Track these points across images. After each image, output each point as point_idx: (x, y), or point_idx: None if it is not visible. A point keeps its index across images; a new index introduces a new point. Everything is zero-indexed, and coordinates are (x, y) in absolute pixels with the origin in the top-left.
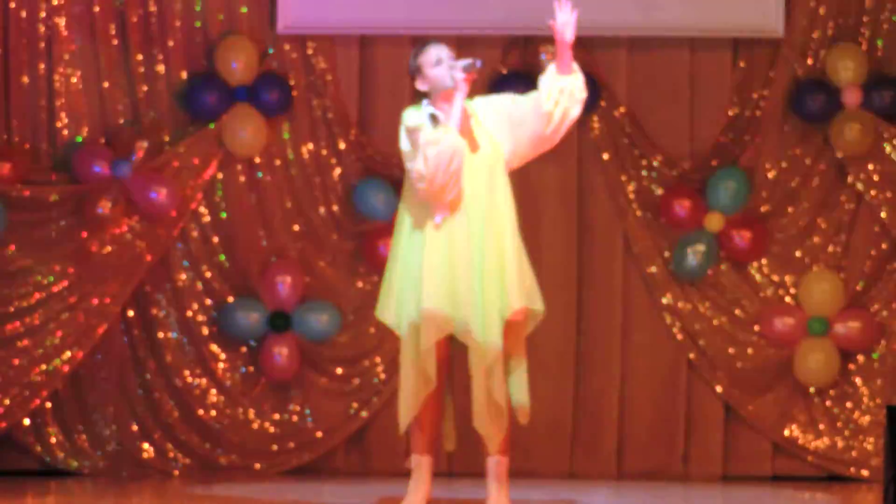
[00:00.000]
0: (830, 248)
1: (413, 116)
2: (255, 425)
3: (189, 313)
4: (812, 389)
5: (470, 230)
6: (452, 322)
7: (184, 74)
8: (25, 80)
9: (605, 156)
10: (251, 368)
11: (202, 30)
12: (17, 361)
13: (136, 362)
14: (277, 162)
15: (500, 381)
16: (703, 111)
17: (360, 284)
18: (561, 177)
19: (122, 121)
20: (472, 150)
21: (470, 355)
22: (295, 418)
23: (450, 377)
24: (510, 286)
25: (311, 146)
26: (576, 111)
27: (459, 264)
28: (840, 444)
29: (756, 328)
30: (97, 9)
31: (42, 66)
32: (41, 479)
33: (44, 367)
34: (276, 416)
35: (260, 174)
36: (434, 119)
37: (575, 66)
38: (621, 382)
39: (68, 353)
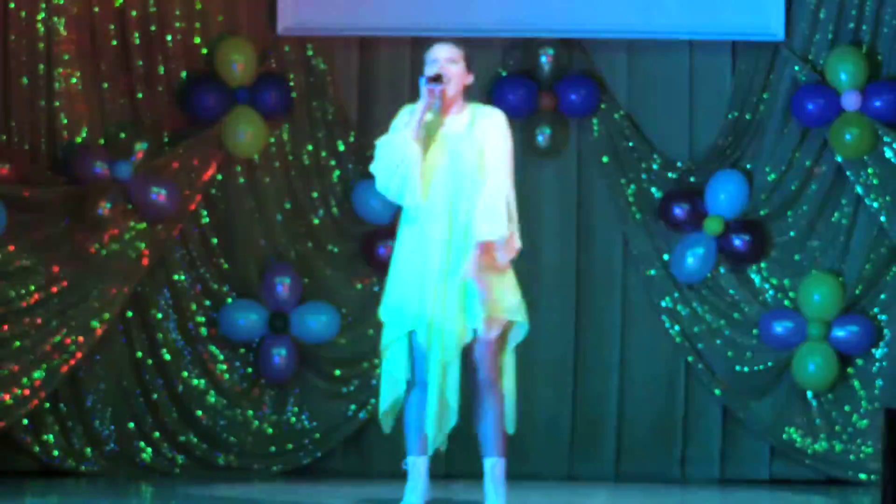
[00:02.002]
0: (829, 252)
1: (399, 116)
2: (254, 426)
3: (188, 314)
4: (810, 393)
5: (442, 231)
6: (419, 318)
7: (183, 75)
8: (25, 80)
9: (605, 158)
10: (250, 370)
11: (202, 31)
12: (16, 361)
13: (134, 363)
14: (277, 163)
15: (454, 382)
16: (702, 114)
17: (359, 286)
18: (560, 179)
19: (121, 121)
20: (428, 156)
21: (430, 354)
22: (293, 419)
23: None
24: (480, 295)
25: (310, 148)
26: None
27: (431, 265)
28: (838, 447)
29: (755, 331)
30: (97, 9)
31: (41, 66)
32: (39, 480)
33: (43, 367)
34: (275, 418)
35: (259, 176)
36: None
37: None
38: (620, 385)
39: (67, 354)
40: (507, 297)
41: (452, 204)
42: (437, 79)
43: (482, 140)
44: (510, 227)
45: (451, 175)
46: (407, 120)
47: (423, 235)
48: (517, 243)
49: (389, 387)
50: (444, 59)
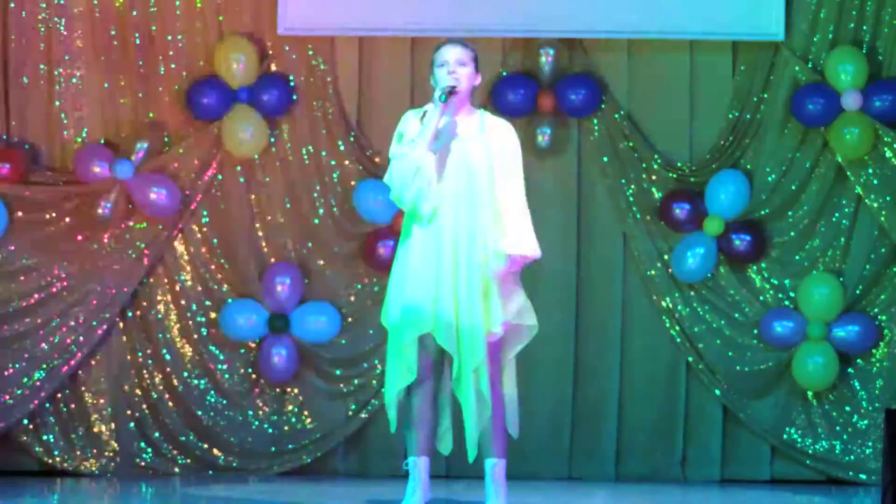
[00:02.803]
0: (830, 252)
1: (405, 120)
2: (254, 426)
3: (188, 314)
4: (811, 393)
5: (454, 237)
6: (432, 321)
7: (184, 75)
8: (25, 80)
9: (605, 158)
10: (250, 370)
11: (203, 31)
12: (16, 361)
13: (135, 363)
14: (277, 163)
15: (486, 382)
16: (703, 114)
17: (359, 286)
18: (561, 179)
19: (122, 121)
20: (443, 168)
21: (455, 362)
22: (293, 420)
23: (441, 379)
24: (493, 301)
25: (311, 147)
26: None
27: (444, 268)
28: (839, 447)
29: (755, 331)
30: (97, 9)
31: (42, 66)
32: (40, 480)
33: (43, 367)
34: (275, 418)
35: (260, 175)
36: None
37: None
38: (620, 385)
39: (67, 354)
40: (516, 300)
41: (459, 208)
42: (451, 91)
43: (493, 146)
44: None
45: (460, 178)
46: (417, 128)
47: (433, 237)
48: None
49: (399, 374)
50: (454, 62)
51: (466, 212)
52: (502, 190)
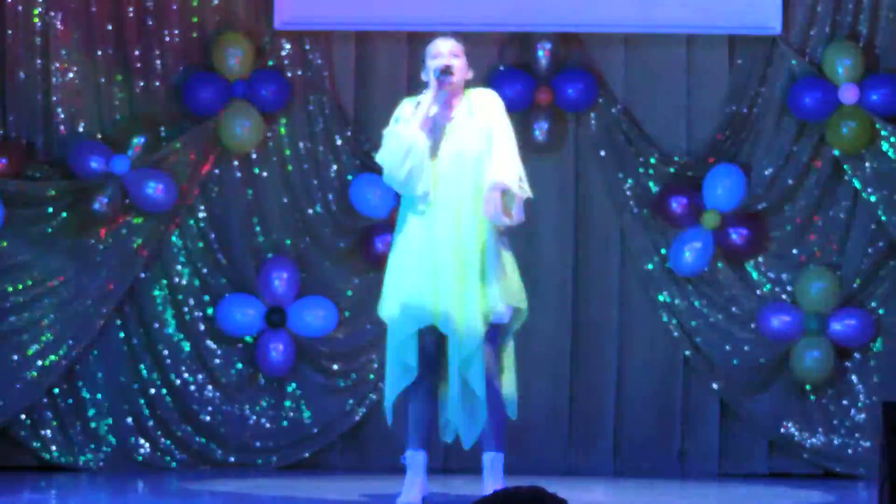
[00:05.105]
0: (827, 246)
1: (401, 107)
2: (252, 421)
3: (185, 309)
4: (808, 387)
5: (452, 224)
6: (433, 313)
7: (181, 70)
8: (22, 75)
9: (602, 153)
10: (248, 365)
11: (199, 25)
12: (13, 357)
13: (132, 358)
14: (274, 158)
15: (479, 374)
16: (700, 108)
17: (356, 280)
18: (558, 174)
19: (118, 116)
20: (438, 156)
21: (449, 348)
22: (291, 414)
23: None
24: (493, 285)
25: (307, 142)
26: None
27: (442, 258)
28: (836, 441)
29: (752, 325)
30: (94, 3)
31: (38, 61)
32: (38, 475)
33: (40, 362)
34: (272, 412)
35: (257, 170)
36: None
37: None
38: (618, 379)
39: (65, 349)
40: (513, 284)
41: (454, 195)
42: (446, 71)
43: (487, 124)
44: (522, 190)
45: (458, 170)
46: (412, 110)
47: (431, 232)
48: (522, 214)
49: (399, 375)
50: (447, 53)
51: (461, 199)
52: (495, 145)
